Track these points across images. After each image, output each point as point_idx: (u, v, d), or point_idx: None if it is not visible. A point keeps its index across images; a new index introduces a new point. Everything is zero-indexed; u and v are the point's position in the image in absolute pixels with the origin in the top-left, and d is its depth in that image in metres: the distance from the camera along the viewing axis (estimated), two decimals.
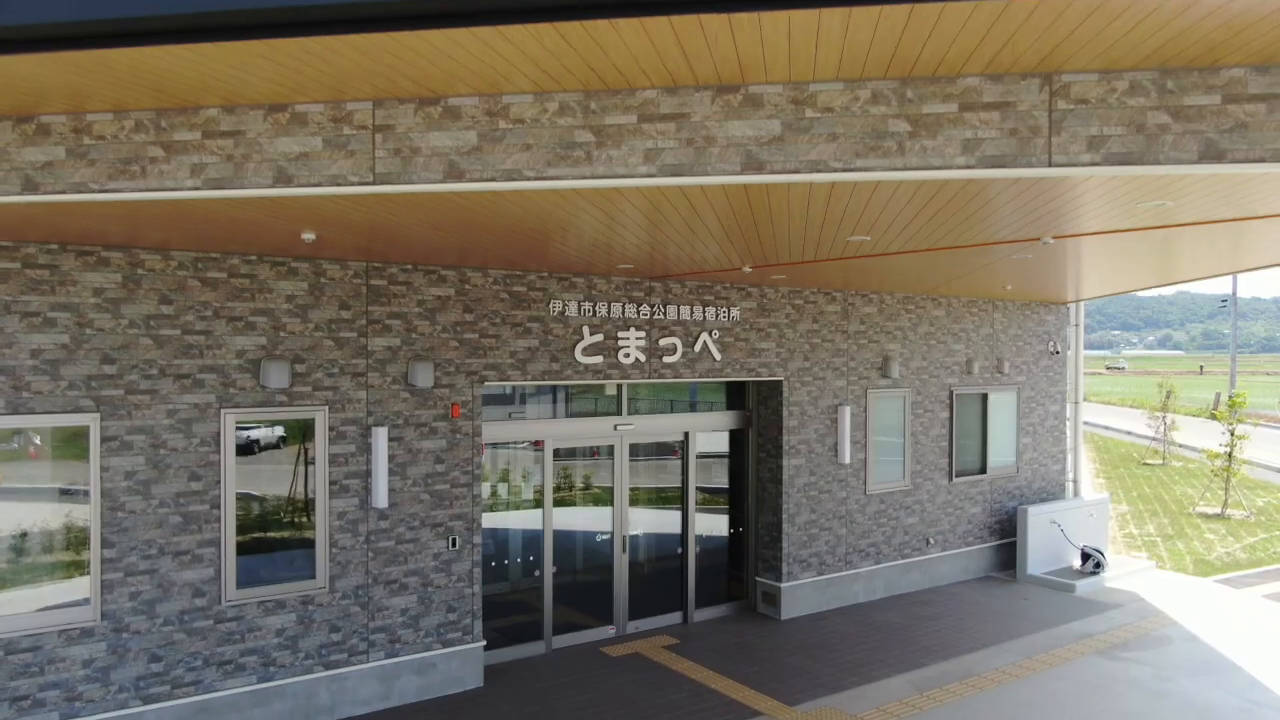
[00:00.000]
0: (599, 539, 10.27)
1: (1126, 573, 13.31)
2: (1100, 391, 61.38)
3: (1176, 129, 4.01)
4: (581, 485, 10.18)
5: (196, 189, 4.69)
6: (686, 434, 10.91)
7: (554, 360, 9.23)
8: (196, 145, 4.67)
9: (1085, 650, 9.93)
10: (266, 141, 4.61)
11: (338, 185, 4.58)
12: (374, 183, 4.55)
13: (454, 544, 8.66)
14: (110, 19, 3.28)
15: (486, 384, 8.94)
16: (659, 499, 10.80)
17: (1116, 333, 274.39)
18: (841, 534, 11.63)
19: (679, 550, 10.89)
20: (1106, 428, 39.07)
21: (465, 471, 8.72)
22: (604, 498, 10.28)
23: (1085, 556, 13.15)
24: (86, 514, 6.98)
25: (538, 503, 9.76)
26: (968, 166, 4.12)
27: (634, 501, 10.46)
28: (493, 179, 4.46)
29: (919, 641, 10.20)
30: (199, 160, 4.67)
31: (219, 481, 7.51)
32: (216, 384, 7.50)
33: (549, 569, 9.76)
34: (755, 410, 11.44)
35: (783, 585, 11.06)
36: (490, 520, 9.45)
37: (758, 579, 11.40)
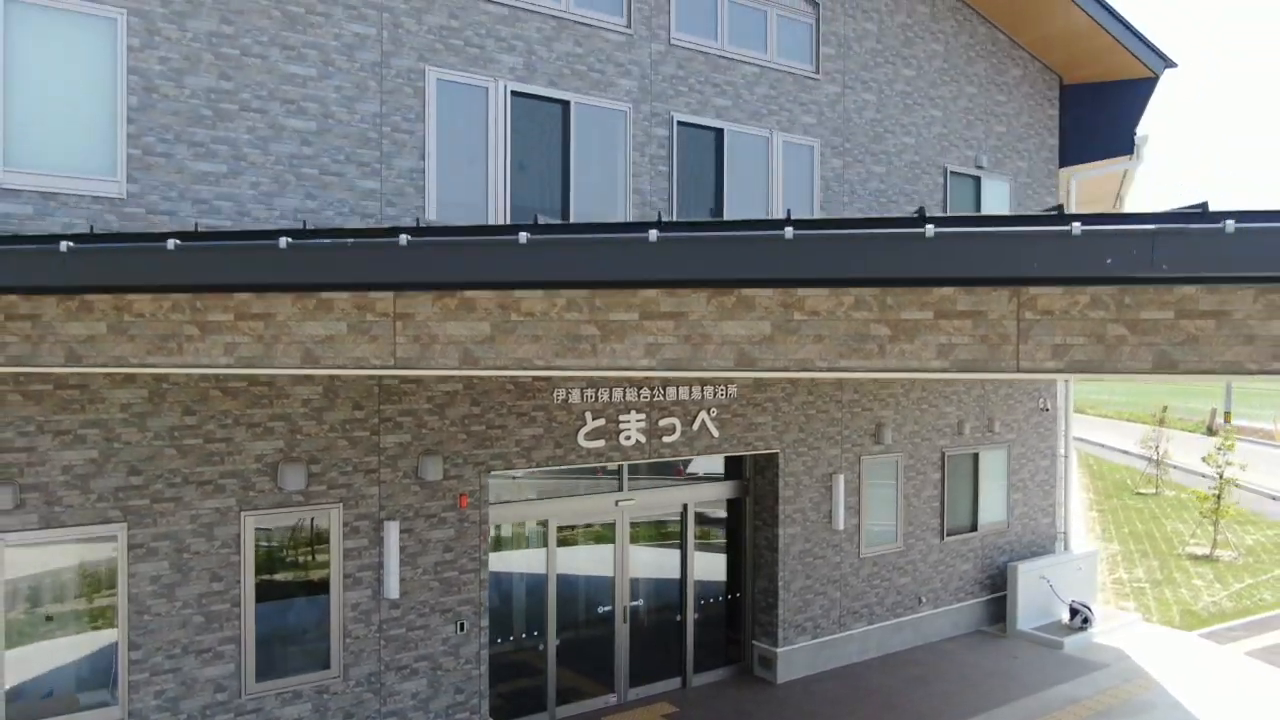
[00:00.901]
0: (601, 610, 10.62)
1: (1114, 627, 13.67)
2: (1097, 402, 61.59)
3: (1133, 340, 4.36)
4: (585, 537, 10.53)
5: (229, 366, 5.05)
6: (685, 505, 11.27)
7: (558, 446, 9.59)
8: (229, 326, 5.03)
9: None
10: (295, 325, 4.97)
11: (360, 368, 4.94)
12: (394, 366, 4.91)
13: (462, 628, 9.02)
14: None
15: (493, 473, 9.30)
16: (658, 567, 11.16)
17: None
18: (836, 597, 12.00)
19: (678, 617, 11.25)
20: (1102, 445, 39.35)
21: (473, 558, 9.09)
22: (606, 549, 10.64)
23: (1074, 612, 13.51)
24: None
25: (542, 570, 10.12)
26: (943, 370, 4.47)
27: (633, 562, 10.82)
28: (505, 367, 4.82)
29: (910, 707, 10.56)
30: (231, 340, 5.03)
31: (239, 581, 7.87)
32: (237, 488, 7.87)
33: (552, 641, 10.12)
34: (752, 479, 11.80)
35: (779, 650, 11.42)
36: (496, 570, 9.79)
37: (754, 643, 11.76)
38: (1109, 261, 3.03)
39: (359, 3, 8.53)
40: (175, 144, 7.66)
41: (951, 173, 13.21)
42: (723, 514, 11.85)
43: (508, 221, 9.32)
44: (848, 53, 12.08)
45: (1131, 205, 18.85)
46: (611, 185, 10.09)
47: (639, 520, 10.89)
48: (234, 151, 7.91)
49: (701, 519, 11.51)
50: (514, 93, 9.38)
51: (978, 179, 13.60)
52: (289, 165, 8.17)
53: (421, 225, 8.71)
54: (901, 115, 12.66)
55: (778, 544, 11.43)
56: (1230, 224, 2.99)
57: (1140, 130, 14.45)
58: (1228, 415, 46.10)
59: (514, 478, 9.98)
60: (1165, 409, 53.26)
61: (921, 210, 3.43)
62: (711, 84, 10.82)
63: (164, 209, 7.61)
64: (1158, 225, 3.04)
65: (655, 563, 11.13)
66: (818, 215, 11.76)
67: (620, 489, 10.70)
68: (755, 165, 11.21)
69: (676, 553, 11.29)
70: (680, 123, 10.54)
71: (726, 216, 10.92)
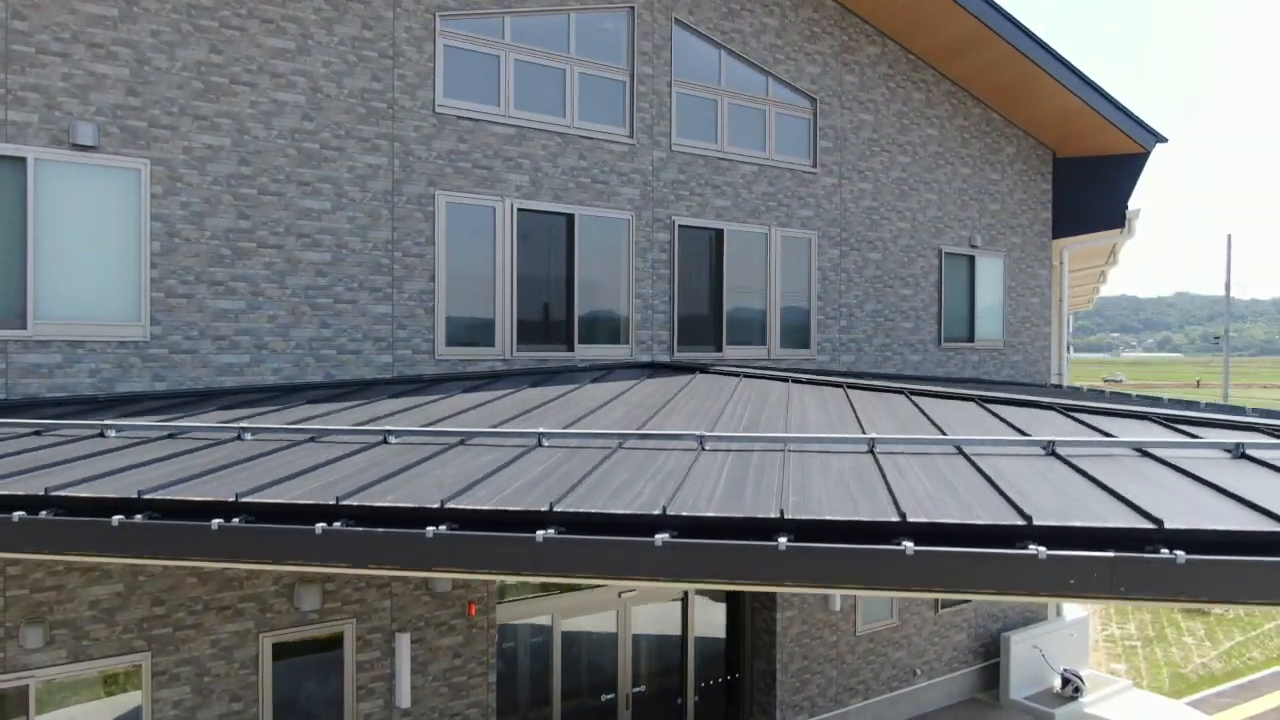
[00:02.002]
0: (604, 698, 10.94)
1: (1104, 695, 13.99)
2: None
3: None
4: (588, 624, 10.85)
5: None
6: (686, 593, 11.58)
7: None
8: None
9: None
10: None
11: None
12: None
13: None
14: None
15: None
16: (660, 652, 11.48)
17: (1115, 335, 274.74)
18: (832, 675, 12.32)
19: (679, 700, 11.57)
20: None
21: (481, 663, 9.41)
22: (609, 634, 10.96)
23: (1065, 681, 13.83)
24: None
25: (546, 659, 10.44)
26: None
27: (635, 647, 11.14)
28: None
29: None
30: None
31: (257, 700, 8.19)
32: (255, 611, 8.19)
33: None
34: None
35: None
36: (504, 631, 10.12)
37: None
38: (1072, 582, 3.35)
39: (371, 134, 8.84)
40: (196, 284, 7.98)
41: (946, 254, 13.53)
42: (722, 600, 12.16)
43: (514, 332, 9.63)
44: (845, 145, 12.39)
45: (1124, 258, 19.15)
46: (615, 291, 10.40)
47: (642, 607, 11.20)
48: (252, 287, 8.23)
49: (702, 603, 11.82)
50: (520, 209, 9.70)
51: (971, 258, 13.91)
52: (305, 297, 8.49)
53: (425, 377, 9.03)
54: (897, 201, 12.97)
55: (775, 628, 11.75)
56: (1181, 555, 3.30)
57: (1131, 204, 14.77)
58: None
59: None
60: None
61: (902, 515, 3.74)
62: (711, 185, 11.13)
63: (186, 348, 7.93)
64: (1116, 553, 3.35)
65: (657, 648, 11.45)
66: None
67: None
68: (754, 260, 11.52)
69: (678, 635, 11.61)
70: (681, 226, 10.86)
71: (726, 312, 11.23)
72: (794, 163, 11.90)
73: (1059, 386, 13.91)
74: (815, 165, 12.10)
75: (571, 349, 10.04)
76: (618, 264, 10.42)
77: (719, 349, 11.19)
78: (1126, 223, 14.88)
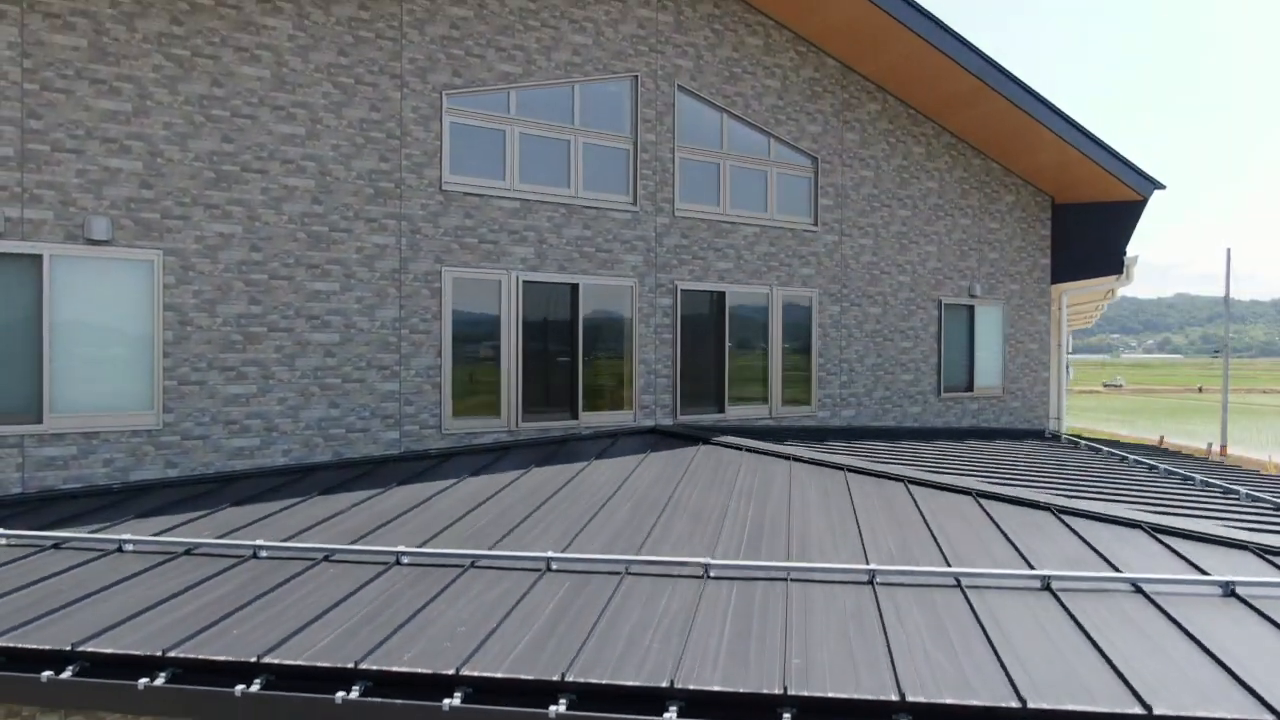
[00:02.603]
0: None
1: None
2: (1095, 431, 61.94)
3: None
4: None
5: None
6: None
7: None
8: None
9: None
10: None
11: None
12: None
13: None
14: None
15: None
16: None
17: (1115, 336, 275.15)
18: None
19: None
20: None
21: None
22: None
23: None
24: None
25: None
26: None
27: None
28: None
29: None
30: None
31: None
32: None
33: None
34: None
35: None
36: None
37: None
38: None
39: (379, 214, 8.98)
40: (208, 370, 8.12)
41: (946, 305, 13.67)
42: None
43: (520, 403, 9.77)
44: (845, 201, 12.53)
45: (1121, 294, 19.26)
46: (619, 358, 10.54)
47: None
48: (263, 371, 8.37)
49: None
50: (526, 282, 9.84)
51: (971, 307, 14.05)
52: (314, 377, 8.63)
53: (432, 452, 9.17)
54: (897, 255, 13.10)
55: None
56: None
57: (1129, 251, 14.92)
58: (1224, 449, 46.10)
59: None
60: (1162, 439, 53.61)
61: (901, 694, 3.88)
62: (714, 249, 11.27)
63: (197, 434, 8.07)
64: None
65: None
66: (816, 364, 12.20)
67: None
68: (756, 320, 11.66)
69: None
70: (684, 290, 10.99)
71: (728, 373, 11.37)
72: (795, 222, 12.04)
73: (1056, 437, 14.05)
74: (816, 223, 12.24)
75: (576, 417, 10.18)
76: (621, 331, 10.55)
77: (721, 410, 11.33)
78: (1125, 269, 15.03)
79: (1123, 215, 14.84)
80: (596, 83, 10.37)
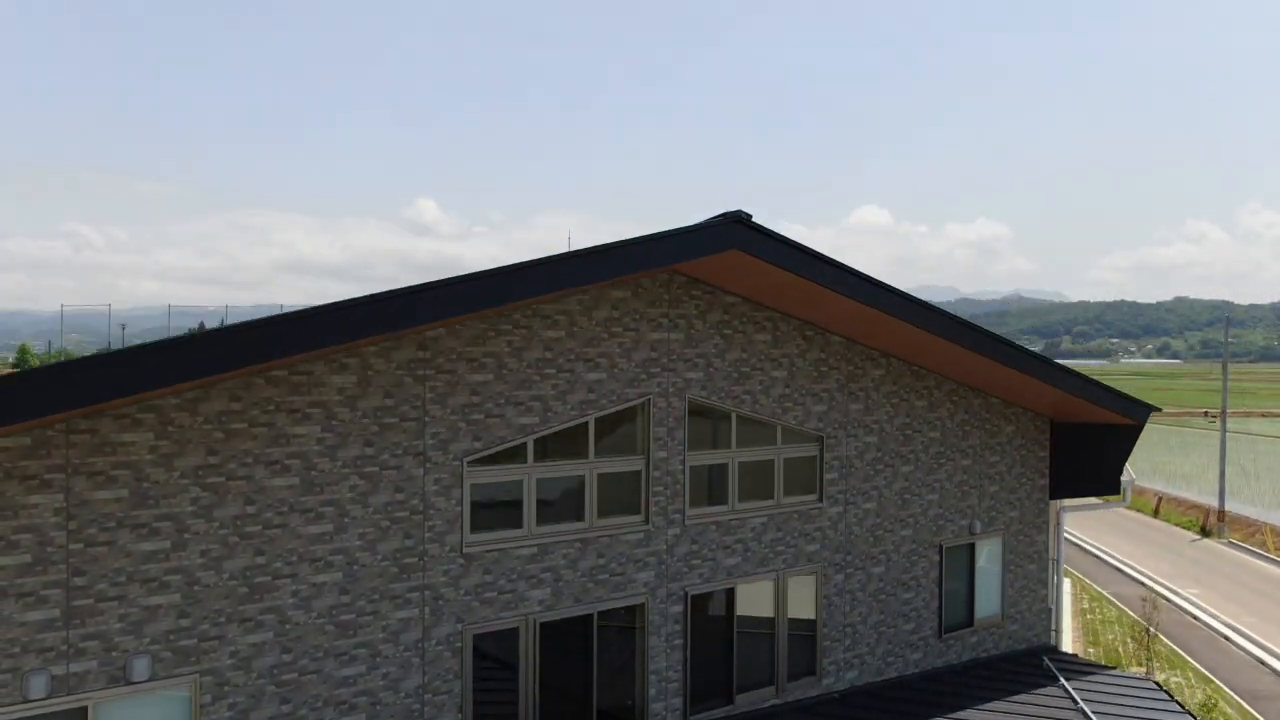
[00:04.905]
0: None
1: None
2: (1096, 538, 62.03)
3: None
4: None
5: None
6: None
7: None
8: None
9: None
10: None
11: None
12: None
13: None
14: None
15: None
16: None
17: (1115, 340, 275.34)
18: None
19: None
20: (1094, 553, 40.38)
21: None
22: None
23: None
24: None
25: None
26: None
27: None
28: None
29: None
30: None
31: None
32: None
33: None
34: None
35: None
36: None
37: None
38: None
39: (403, 590, 9.33)
40: None
41: (946, 548, 14.02)
42: None
43: None
44: (850, 472, 12.88)
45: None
46: (629, 674, 10.91)
47: None
48: None
49: None
50: (542, 624, 10.20)
51: (972, 545, 14.41)
52: None
53: None
54: (899, 511, 13.46)
55: None
56: None
57: (1126, 473, 15.27)
58: (1222, 514, 46.05)
59: None
60: (1160, 500, 53.79)
61: None
62: (723, 547, 11.63)
63: None
64: None
65: None
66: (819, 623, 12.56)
67: None
68: (762, 607, 12.03)
69: None
70: (694, 595, 11.36)
71: (736, 665, 11.74)
72: (800, 502, 12.39)
73: (1056, 649, 14.42)
74: (821, 499, 12.59)
75: None
76: (632, 648, 10.92)
77: (730, 701, 11.71)
78: (1122, 490, 15.40)
79: (1119, 436, 15.16)
80: (611, 413, 10.72)
